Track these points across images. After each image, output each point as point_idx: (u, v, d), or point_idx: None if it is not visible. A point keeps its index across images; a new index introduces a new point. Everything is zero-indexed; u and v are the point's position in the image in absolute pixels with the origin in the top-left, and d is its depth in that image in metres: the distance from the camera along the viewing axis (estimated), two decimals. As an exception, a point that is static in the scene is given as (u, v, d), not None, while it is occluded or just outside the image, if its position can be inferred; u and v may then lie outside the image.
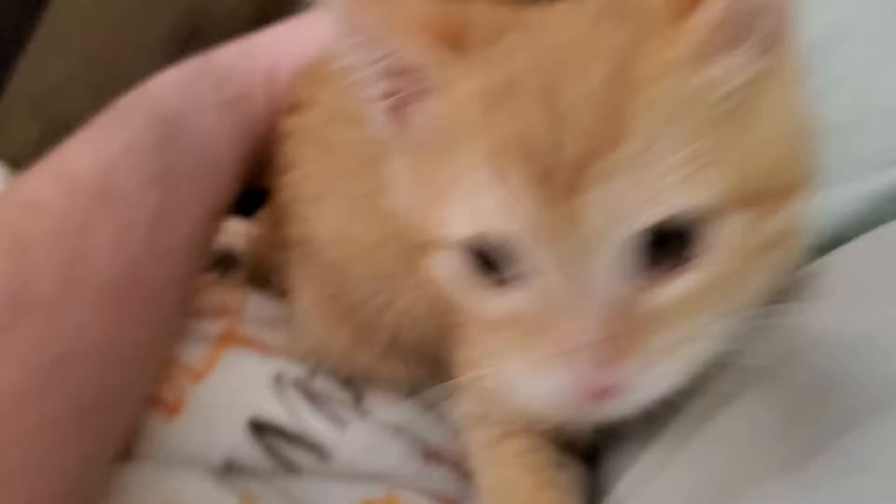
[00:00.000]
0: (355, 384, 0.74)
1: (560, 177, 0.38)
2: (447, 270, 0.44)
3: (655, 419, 0.53)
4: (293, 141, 0.68)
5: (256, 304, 0.77)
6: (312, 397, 0.72)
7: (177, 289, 0.65)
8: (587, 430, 0.55)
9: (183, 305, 0.69)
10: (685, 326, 0.40)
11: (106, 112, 0.66)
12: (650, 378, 0.40)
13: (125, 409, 0.64)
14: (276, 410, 0.70)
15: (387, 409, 0.73)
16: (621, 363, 0.39)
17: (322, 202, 0.65)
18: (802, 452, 0.38)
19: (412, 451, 0.71)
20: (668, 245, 0.39)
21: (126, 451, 0.66)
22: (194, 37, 0.85)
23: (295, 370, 0.73)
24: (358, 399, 0.74)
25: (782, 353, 0.44)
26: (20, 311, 0.54)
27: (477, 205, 0.40)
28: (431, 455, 0.72)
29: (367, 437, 0.71)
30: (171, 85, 0.69)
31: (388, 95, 0.46)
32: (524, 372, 0.41)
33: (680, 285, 0.40)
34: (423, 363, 0.66)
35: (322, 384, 0.74)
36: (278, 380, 0.72)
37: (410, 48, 0.44)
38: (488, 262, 0.42)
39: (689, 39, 0.39)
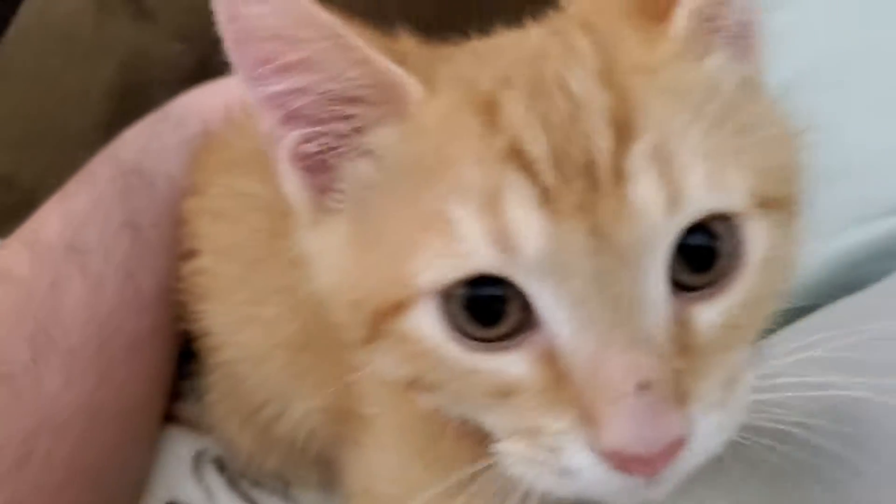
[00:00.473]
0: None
1: (580, 182, 0.31)
2: (424, 332, 0.34)
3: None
4: (187, 228, 0.62)
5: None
6: (233, 479, 0.66)
7: (160, 339, 0.63)
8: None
9: (170, 355, 0.65)
10: (731, 359, 0.34)
11: (75, 175, 0.65)
12: (714, 425, 0.32)
13: (120, 475, 0.61)
14: (192, 494, 0.65)
15: (316, 496, 0.67)
16: (689, 405, 0.31)
17: (207, 304, 0.59)
18: None
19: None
20: (695, 263, 0.33)
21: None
22: (134, 89, 0.82)
23: (217, 448, 0.67)
24: (286, 484, 0.67)
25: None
26: None
27: (466, 238, 0.32)
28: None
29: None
30: (132, 136, 0.68)
31: (312, 141, 0.37)
32: (568, 436, 0.32)
33: (721, 306, 0.33)
34: (333, 468, 0.59)
35: (256, 471, 0.67)
36: (199, 458, 0.66)
37: (372, 65, 0.35)
38: (475, 317, 0.33)
39: (668, 39, 0.35)
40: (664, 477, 0.32)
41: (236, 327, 0.57)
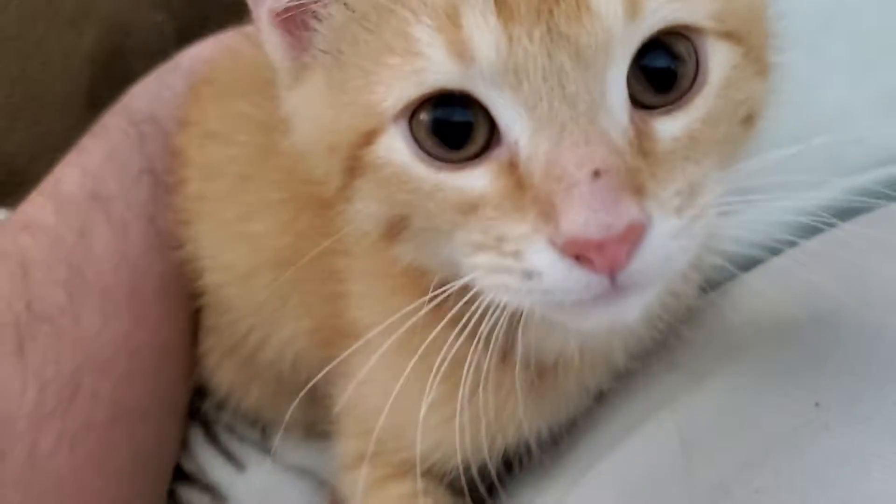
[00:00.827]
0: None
1: None
2: (394, 156, 0.35)
3: (557, 451, 0.50)
4: (176, 162, 0.63)
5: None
6: (212, 431, 0.68)
7: (185, 280, 0.63)
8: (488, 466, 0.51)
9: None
10: (692, 170, 0.35)
11: (90, 129, 0.67)
12: (671, 228, 0.33)
13: (164, 411, 0.63)
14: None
15: (294, 448, 0.68)
16: (644, 198, 0.32)
17: (195, 226, 0.61)
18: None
19: (316, 496, 0.66)
20: (659, 83, 0.35)
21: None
22: (117, 55, 0.83)
23: (197, 399, 0.68)
24: (264, 435, 0.69)
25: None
26: (27, 331, 0.55)
27: (426, 53, 0.33)
28: (339, 500, 0.67)
29: (266, 479, 0.66)
30: (142, 88, 0.69)
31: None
32: (529, 237, 0.33)
33: (681, 120, 0.35)
34: (316, 404, 0.61)
35: (228, 416, 0.69)
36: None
37: None
38: (442, 141, 0.35)
39: None
40: (628, 278, 0.33)
41: (223, 246, 0.58)
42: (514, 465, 0.50)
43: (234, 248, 0.58)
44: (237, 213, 0.57)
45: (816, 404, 0.38)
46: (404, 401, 0.48)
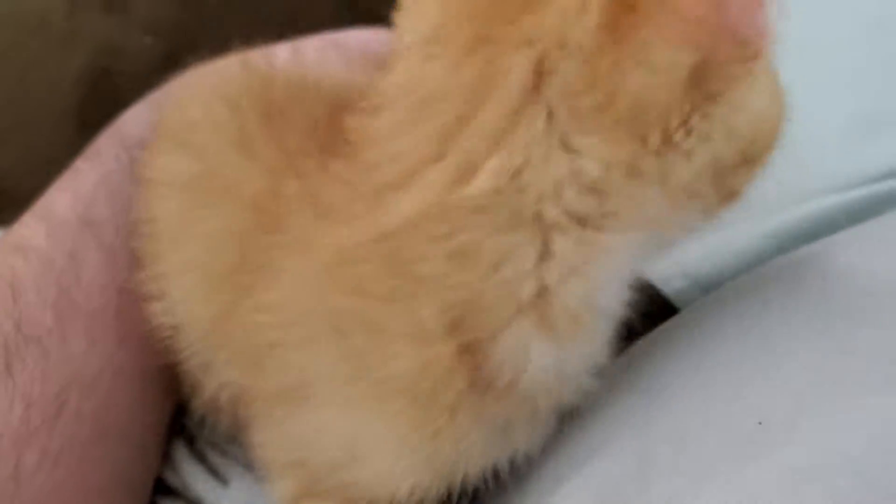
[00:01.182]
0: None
1: None
2: None
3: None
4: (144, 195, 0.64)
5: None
6: (196, 447, 0.69)
7: None
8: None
9: None
10: None
11: (84, 151, 0.68)
12: None
13: (145, 430, 0.65)
14: (155, 466, 0.67)
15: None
16: None
17: (145, 271, 0.60)
18: None
19: (298, 509, 0.68)
20: None
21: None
22: (106, 76, 0.85)
23: (181, 415, 0.70)
24: (245, 450, 0.70)
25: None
26: (15, 351, 0.56)
27: None
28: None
29: (249, 493, 0.67)
30: (135, 113, 0.71)
31: None
32: None
33: None
34: None
35: (209, 433, 0.70)
36: (162, 429, 0.69)
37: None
38: None
39: None
40: None
41: (156, 298, 0.59)
42: (481, 491, 0.52)
43: (163, 302, 0.59)
44: (167, 270, 0.59)
45: (759, 423, 0.40)
46: (369, 452, 0.50)
